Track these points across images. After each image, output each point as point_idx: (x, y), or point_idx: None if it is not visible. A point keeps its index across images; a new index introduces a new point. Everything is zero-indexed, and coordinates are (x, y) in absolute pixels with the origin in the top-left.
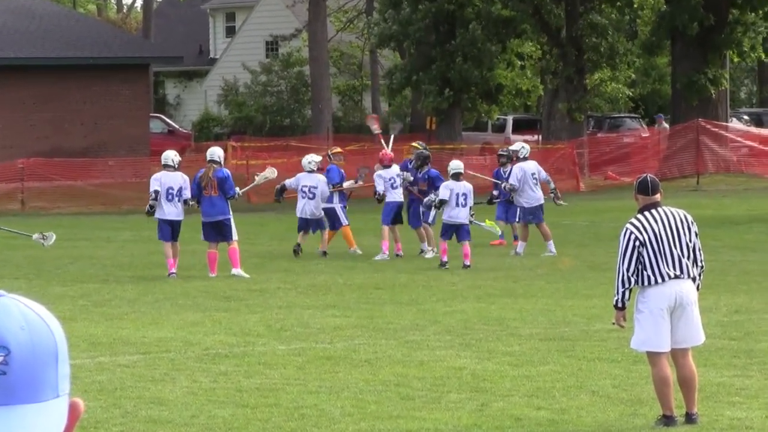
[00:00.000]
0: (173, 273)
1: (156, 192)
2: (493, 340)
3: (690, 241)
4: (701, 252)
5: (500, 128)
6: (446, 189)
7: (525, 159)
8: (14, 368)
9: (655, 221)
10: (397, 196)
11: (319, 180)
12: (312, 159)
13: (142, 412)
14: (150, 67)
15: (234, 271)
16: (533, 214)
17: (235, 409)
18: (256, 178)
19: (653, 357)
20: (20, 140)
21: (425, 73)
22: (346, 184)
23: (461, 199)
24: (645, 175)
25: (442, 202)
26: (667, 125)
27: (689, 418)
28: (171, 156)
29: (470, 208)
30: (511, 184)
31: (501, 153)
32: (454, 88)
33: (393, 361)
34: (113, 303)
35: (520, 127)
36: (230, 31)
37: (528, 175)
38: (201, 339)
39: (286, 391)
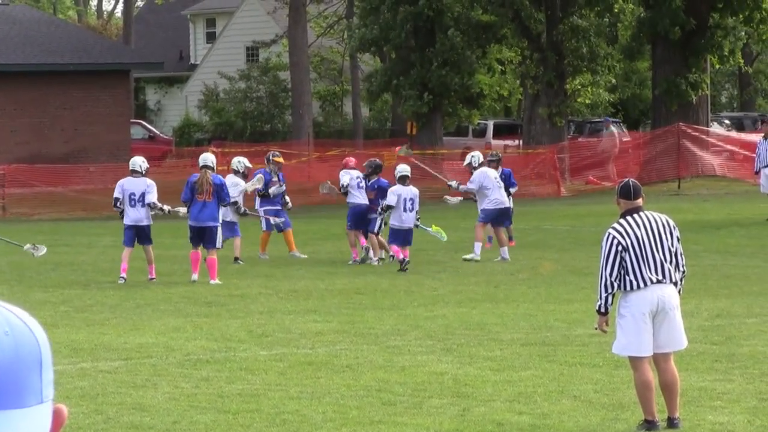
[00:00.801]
0: (123, 277)
1: (116, 199)
2: (475, 345)
3: (672, 245)
4: (683, 257)
5: (481, 133)
6: (393, 194)
7: (481, 166)
8: None
9: (638, 226)
10: (361, 198)
11: (228, 182)
12: (240, 159)
13: (124, 417)
14: (130, 73)
15: (212, 282)
16: (502, 216)
17: (216, 415)
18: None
19: (635, 362)
20: (0, 146)
21: (405, 78)
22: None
23: (408, 204)
24: (627, 179)
25: (389, 207)
26: (614, 129)
27: (671, 423)
28: (138, 162)
29: (416, 212)
30: (468, 189)
31: (490, 158)
32: (434, 93)
33: (374, 367)
34: (94, 309)
35: (500, 132)
36: (211, 37)
37: (490, 178)
38: (182, 344)
39: (267, 396)
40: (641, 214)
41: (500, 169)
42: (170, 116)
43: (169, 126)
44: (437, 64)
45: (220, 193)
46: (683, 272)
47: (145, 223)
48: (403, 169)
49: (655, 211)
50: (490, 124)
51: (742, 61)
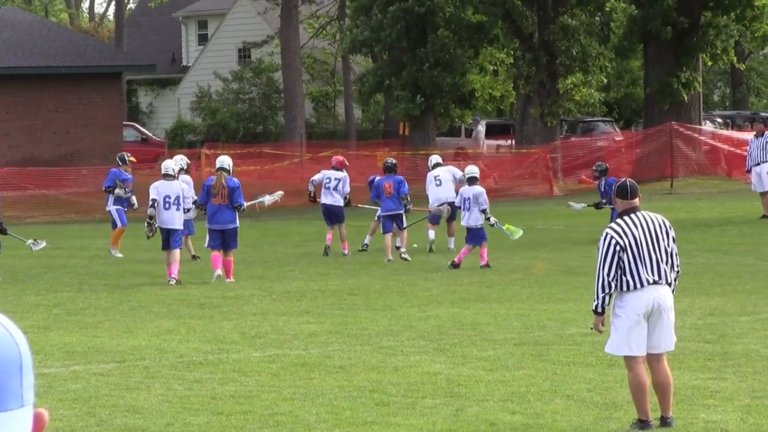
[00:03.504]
0: (172, 278)
1: (154, 200)
2: (468, 345)
3: (668, 246)
4: (678, 257)
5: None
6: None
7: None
8: None
9: (635, 226)
10: (327, 197)
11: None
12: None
13: (117, 420)
14: (123, 75)
15: (227, 281)
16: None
17: (210, 417)
18: (265, 197)
19: (629, 361)
20: None
21: (397, 79)
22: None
23: (466, 204)
24: (624, 179)
25: (456, 208)
26: (481, 128)
27: (664, 422)
28: (170, 165)
29: (483, 211)
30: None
31: (595, 169)
32: (425, 94)
33: (367, 367)
34: (87, 312)
35: (493, 132)
36: (203, 39)
37: (430, 178)
38: (175, 347)
39: (260, 398)
40: (638, 214)
41: (603, 179)
42: (162, 118)
43: (161, 128)
44: (429, 65)
45: (233, 195)
46: (677, 272)
47: (177, 227)
48: (469, 170)
49: (648, 211)
50: (482, 124)
51: (735, 58)
